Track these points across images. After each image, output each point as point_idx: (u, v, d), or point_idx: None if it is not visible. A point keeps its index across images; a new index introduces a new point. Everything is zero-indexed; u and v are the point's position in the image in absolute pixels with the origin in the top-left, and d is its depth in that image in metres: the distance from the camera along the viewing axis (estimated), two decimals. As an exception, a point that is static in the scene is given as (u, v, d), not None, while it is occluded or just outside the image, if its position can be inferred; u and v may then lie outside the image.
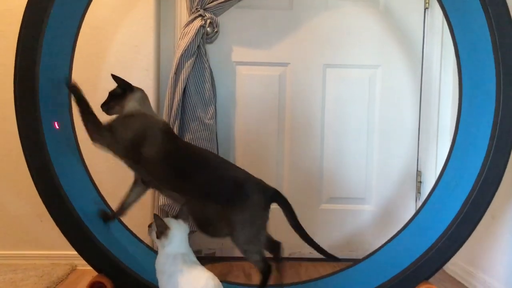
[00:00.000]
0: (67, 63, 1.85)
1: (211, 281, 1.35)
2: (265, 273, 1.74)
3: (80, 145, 1.92)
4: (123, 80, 1.83)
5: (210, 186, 1.72)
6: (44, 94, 1.63)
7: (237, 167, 1.83)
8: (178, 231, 1.44)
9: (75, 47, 1.87)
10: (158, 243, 1.44)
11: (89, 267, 1.69)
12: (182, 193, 1.74)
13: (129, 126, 1.74)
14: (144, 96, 1.84)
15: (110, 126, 1.74)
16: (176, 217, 1.48)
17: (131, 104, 1.79)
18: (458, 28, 1.82)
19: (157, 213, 2.45)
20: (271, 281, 1.75)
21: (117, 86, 1.83)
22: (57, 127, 1.81)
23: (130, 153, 1.72)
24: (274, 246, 1.84)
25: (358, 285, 1.78)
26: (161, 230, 1.42)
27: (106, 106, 1.82)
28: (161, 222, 1.42)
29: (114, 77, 1.83)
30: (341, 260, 1.92)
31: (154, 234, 1.44)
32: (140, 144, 1.71)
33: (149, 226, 1.50)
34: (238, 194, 1.71)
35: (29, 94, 1.59)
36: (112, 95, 1.83)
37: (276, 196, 1.76)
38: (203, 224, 1.73)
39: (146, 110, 1.81)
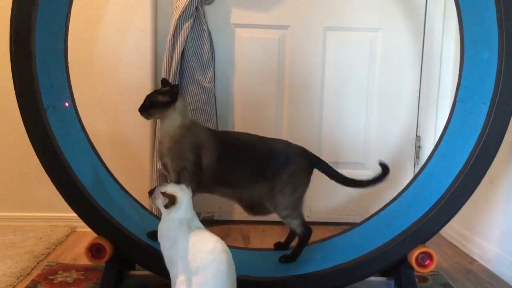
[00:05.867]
0: (63, 25, 1.81)
1: (219, 244, 1.33)
2: (305, 237, 1.82)
3: (78, 109, 1.90)
4: (174, 90, 1.72)
5: (255, 167, 1.76)
6: (41, 56, 1.60)
7: (274, 138, 1.86)
8: (184, 197, 1.43)
9: (71, 8, 1.83)
10: (165, 212, 1.43)
11: (88, 229, 1.69)
12: (234, 186, 1.78)
13: (186, 150, 1.71)
14: (184, 103, 1.76)
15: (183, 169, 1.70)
16: (178, 182, 1.47)
17: (174, 118, 1.71)
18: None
19: (156, 177, 2.47)
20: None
21: (161, 94, 1.72)
22: (67, 105, 1.82)
23: (197, 170, 1.72)
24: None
25: (355, 249, 1.79)
26: (171, 201, 1.41)
27: (146, 113, 1.73)
28: (169, 196, 1.40)
29: (164, 82, 1.81)
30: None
31: (159, 202, 1.43)
32: (201, 157, 1.72)
33: (150, 193, 1.48)
34: (282, 163, 1.76)
35: (25, 56, 1.56)
36: (154, 102, 1.71)
37: (318, 162, 1.82)
38: (252, 208, 1.81)
39: (187, 119, 1.75)
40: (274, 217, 2.68)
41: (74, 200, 1.66)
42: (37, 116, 1.59)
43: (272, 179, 1.75)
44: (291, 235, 1.96)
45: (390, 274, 1.78)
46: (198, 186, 1.72)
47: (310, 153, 1.83)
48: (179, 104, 1.72)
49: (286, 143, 1.84)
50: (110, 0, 2.42)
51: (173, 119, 1.72)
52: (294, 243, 1.91)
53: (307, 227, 1.81)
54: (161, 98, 1.71)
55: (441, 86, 2.65)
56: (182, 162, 1.70)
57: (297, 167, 1.77)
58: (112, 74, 2.47)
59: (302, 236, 1.82)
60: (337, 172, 1.84)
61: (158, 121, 2.43)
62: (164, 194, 1.40)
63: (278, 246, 1.99)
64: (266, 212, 1.82)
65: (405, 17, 2.65)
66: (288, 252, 1.86)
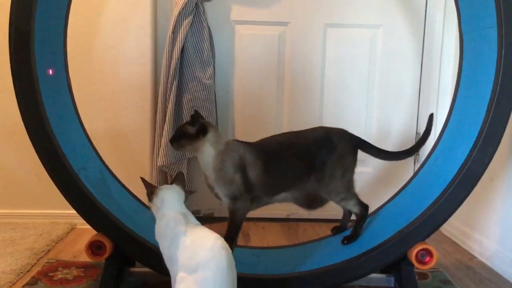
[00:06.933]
0: (62, 20, 1.80)
1: (219, 241, 1.32)
2: (363, 215, 1.85)
3: (77, 104, 1.90)
4: (201, 121, 1.70)
5: (303, 163, 1.75)
6: (40, 55, 1.59)
7: (311, 129, 1.86)
8: (169, 190, 1.43)
9: (70, 4, 1.82)
10: (153, 207, 1.44)
11: (88, 226, 1.69)
12: (288, 189, 1.78)
13: (231, 172, 1.69)
14: (216, 136, 1.72)
15: (235, 195, 1.71)
16: (171, 183, 1.48)
17: (207, 150, 1.69)
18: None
19: (156, 174, 2.46)
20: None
21: (190, 124, 1.69)
22: (51, 73, 1.74)
23: (248, 187, 1.71)
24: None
25: (355, 246, 1.79)
26: (150, 190, 1.42)
27: (177, 144, 1.71)
28: (148, 183, 1.43)
29: (194, 115, 1.73)
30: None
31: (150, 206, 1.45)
32: (247, 174, 1.70)
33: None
34: (327, 150, 1.77)
35: (25, 54, 1.55)
36: (185, 133, 1.70)
37: (359, 141, 1.86)
38: (310, 203, 1.82)
39: (221, 145, 1.71)
40: (274, 213, 2.69)
41: (74, 197, 1.66)
42: (37, 113, 1.59)
43: (321, 168, 1.75)
44: (346, 215, 1.97)
45: (390, 271, 1.78)
46: (252, 202, 1.74)
47: (350, 133, 1.86)
48: (210, 136, 1.69)
49: (324, 129, 1.84)
50: (109, -4, 2.42)
51: (207, 151, 1.70)
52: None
53: (363, 204, 1.84)
54: (190, 130, 1.69)
55: (442, 82, 2.65)
56: (231, 186, 1.70)
57: (341, 150, 1.79)
58: (112, 71, 2.46)
59: (360, 214, 1.84)
60: (380, 149, 1.88)
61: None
62: (143, 182, 1.41)
63: (337, 230, 2.00)
64: (322, 203, 1.84)
65: (405, 14, 2.64)
66: (345, 233, 1.91)
